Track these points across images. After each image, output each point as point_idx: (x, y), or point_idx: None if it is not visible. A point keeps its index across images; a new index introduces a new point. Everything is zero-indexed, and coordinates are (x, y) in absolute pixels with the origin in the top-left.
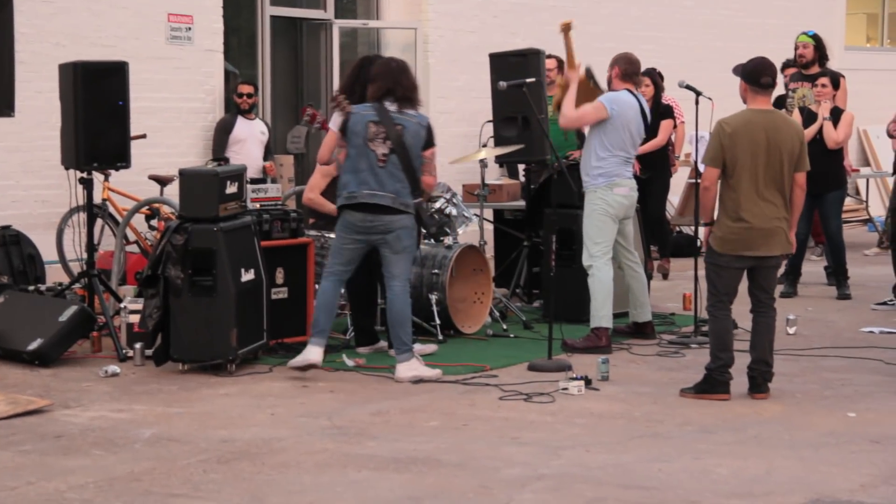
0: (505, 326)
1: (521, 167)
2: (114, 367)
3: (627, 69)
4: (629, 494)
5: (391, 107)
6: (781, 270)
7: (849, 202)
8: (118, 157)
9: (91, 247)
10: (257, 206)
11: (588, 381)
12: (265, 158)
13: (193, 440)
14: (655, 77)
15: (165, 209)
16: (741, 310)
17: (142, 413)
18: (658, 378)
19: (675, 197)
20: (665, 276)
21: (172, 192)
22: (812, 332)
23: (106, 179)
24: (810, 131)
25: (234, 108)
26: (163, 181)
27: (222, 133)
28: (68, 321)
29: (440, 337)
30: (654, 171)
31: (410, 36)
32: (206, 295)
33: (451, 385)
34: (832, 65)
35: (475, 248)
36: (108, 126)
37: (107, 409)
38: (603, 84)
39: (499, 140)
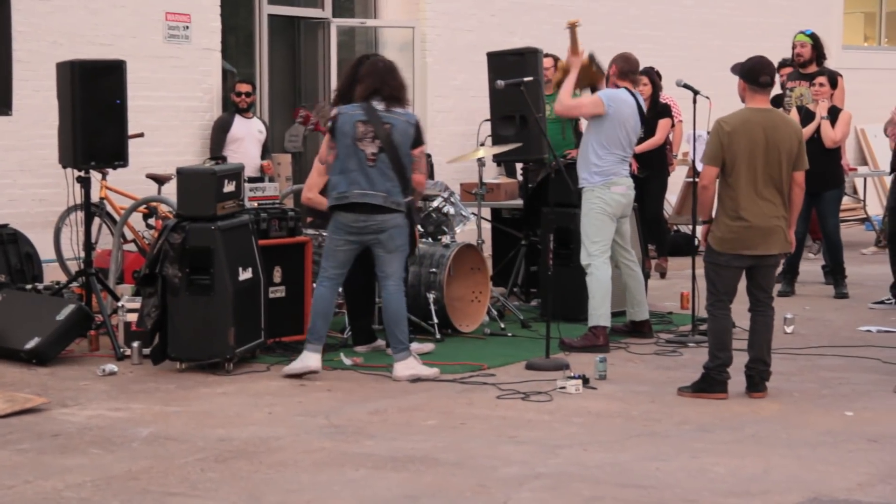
0: (503, 325)
1: (518, 166)
2: (111, 366)
3: (624, 68)
4: (627, 493)
5: (379, 106)
6: (779, 270)
7: (846, 201)
8: (116, 155)
9: (88, 245)
10: (255, 204)
11: (586, 380)
12: (263, 157)
13: (191, 439)
14: (653, 76)
15: (163, 208)
16: (739, 309)
17: (139, 412)
18: (656, 377)
19: (672, 196)
20: (663, 276)
21: (170, 190)
22: (809, 331)
23: (103, 178)
24: (808, 130)
25: (232, 106)
26: (160, 180)
27: (220, 132)
28: (66, 320)
29: (438, 336)
30: (651, 170)
31: (408, 35)
32: (204, 294)
33: (449, 384)
34: (830, 64)
35: (473, 247)
36: (105, 125)
37: (104, 408)
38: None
39: (496, 139)
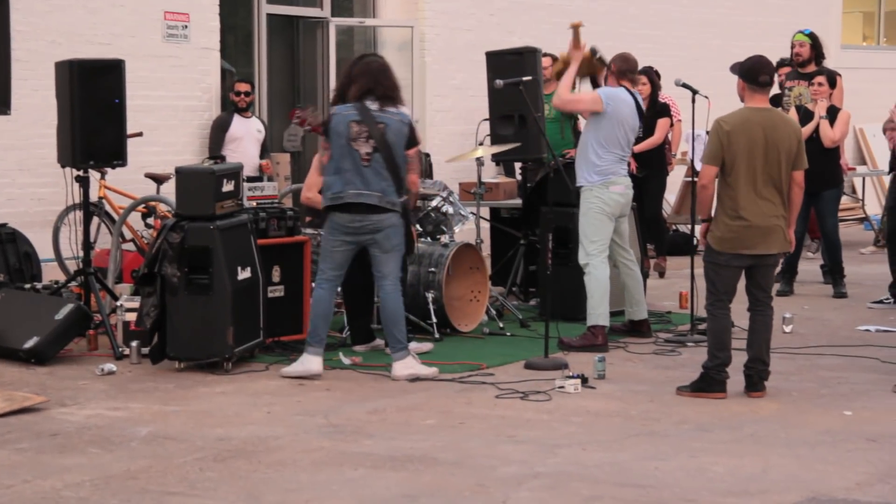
0: (501, 325)
1: (517, 165)
2: (110, 366)
3: (622, 67)
4: (625, 493)
5: (373, 105)
6: (777, 269)
7: (845, 200)
8: (114, 155)
9: (87, 245)
10: (254, 204)
11: (584, 380)
12: (261, 156)
13: (190, 438)
14: (652, 75)
15: (162, 207)
16: (737, 308)
17: (138, 411)
18: (654, 376)
19: (671, 195)
20: (661, 275)
21: (169, 190)
22: (808, 330)
23: (102, 177)
24: (807, 130)
25: (231, 106)
26: (159, 179)
27: (219, 131)
28: (64, 319)
29: (436, 335)
30: (650, 169)
31: (407, 34)
32: (203, 293)
33: (448, 383)
34: (828, 63)
35: (472, 247)
36: (104, 124)
37: (103, 408)
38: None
39: (495, 138)
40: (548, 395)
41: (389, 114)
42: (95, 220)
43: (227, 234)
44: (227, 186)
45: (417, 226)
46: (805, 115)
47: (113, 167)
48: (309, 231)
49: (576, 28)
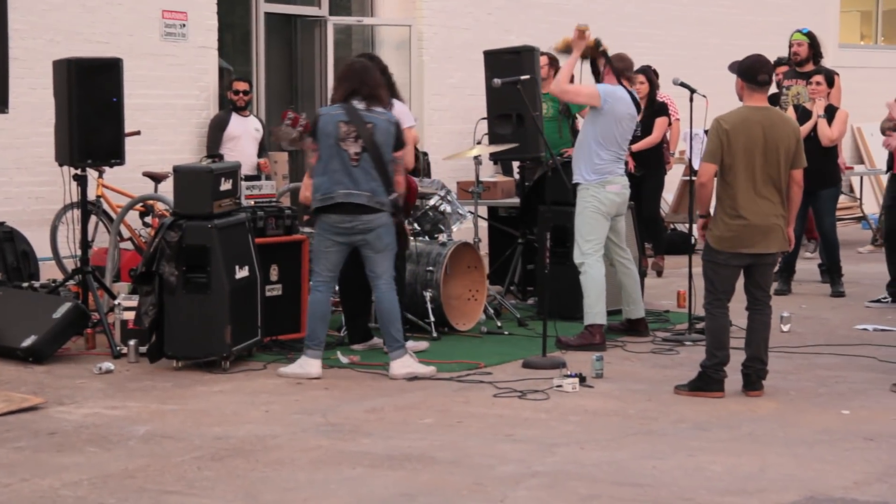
0: (499, 324)
1: (515, 164)
2: (108, 364)
3: (619, 66)
4: (623, 492)
5: (359, 106)
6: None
7: (843, 200)
8: (112, 153)
9: (85, 243)
10: (252, 203)
11: (582, 379)
12: (259, 155)
13: (187, 437)
14: (650, 74)
15: (160, 206)
16: (735, 307)
17: (136, 410)
18: (652, 375)
19: (669, 194)
20: (659, 274)
21: (167, 188)
22: (806, 329)
23: (100, 176)
24: (805, 129)
25: (229, 104)
26: (157, 178)
27: (216, 130)
28: (62, 318)
29: (434, 334)
30: (648, 168)
31: (405, 33)
32: (201, 292)
33: (446, 382)
34: (826, 62)
35: (469, 246)
36: (102, 123)
37: (101, 406)
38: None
39: (493, 137)
40: (546, 394)
41: (377, 113)
42: (93, 218)
43: (225, 232)
44: (225, 185)
45: (415, 225)
46: (803, 115)
47: (111, 166)
48: (307, 230)
49: (581, 32)
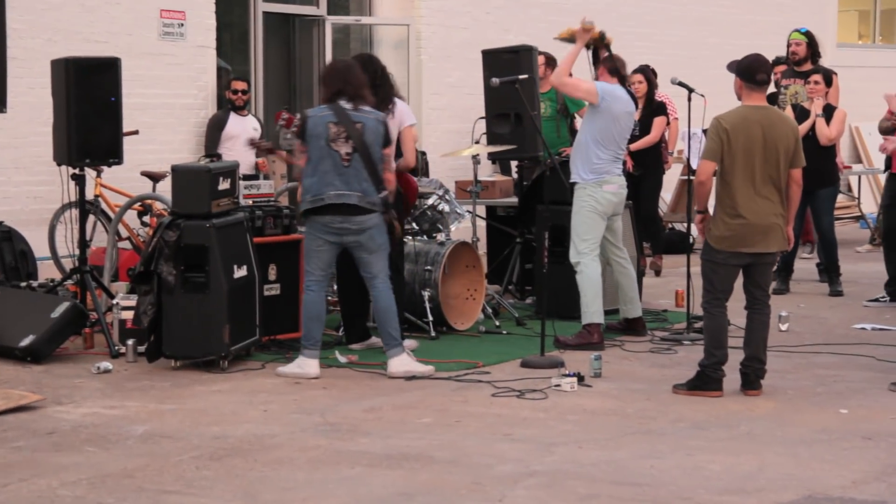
0: (497, 323)
1: (513, 164)
2: (106, 364)
3: (611, 66)
4: (622, 491)
5: (346, 105)
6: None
7: (841, 199)
8: (110, 153)
9: (83, 243)
10: (250, 202)
11: (581, 378)
12: (258, 155)
13: (186, 437)
14: (648, 74)
15: (158, 205)
16: (734, 306)
17: (134, 409)
18: (651, 375)
19: (667, 194)
20: (657, 273)
21: (165, 188)
22: (804, 328)
23: (98, 176)
24: (803, 128)
25: (227, 104)
26: (155, 177)
27: (215, 129)
28: (60, 317)
29: (433, 333)
30: (646, 167)
31: (403, 32)
32: (199, 291)
33: (444, 381)
34: (824, 62)
35: (468, 245)
36: (100, 122)
37: (99, 406)
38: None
39: (491, 137)
40: (544, 393)
41: (365, 113)
42: (91, 218)
43: (224, 232)
44: (224, 185)
45: (414, 224)
46: (801, 114)
47: (109, 165)
48: (305, 229)
49: (588, 30)
